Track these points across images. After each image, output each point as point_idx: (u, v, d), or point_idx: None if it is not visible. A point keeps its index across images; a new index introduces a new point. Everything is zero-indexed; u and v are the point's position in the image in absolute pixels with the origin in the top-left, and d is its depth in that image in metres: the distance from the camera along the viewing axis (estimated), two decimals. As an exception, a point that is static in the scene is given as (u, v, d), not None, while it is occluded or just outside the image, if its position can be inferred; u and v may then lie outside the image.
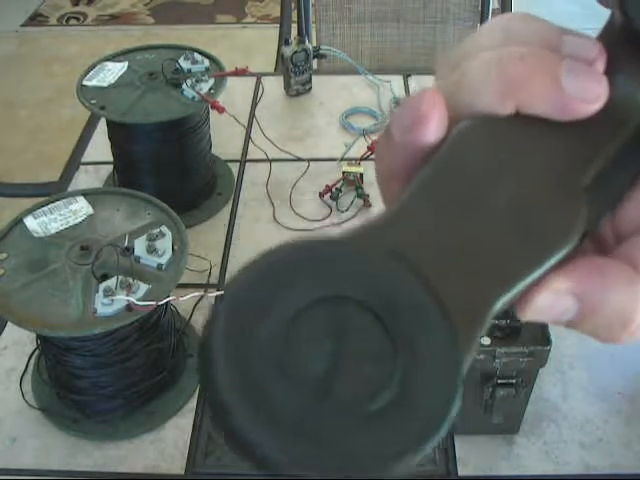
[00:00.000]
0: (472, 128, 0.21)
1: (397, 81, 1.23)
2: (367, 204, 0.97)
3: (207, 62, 0.95)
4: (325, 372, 0.16)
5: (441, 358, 0.17)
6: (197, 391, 0.75)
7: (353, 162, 1.02)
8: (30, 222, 0.71)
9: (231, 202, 1.00)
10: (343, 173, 0.98)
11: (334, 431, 0.16)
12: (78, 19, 3.15)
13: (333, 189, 0.98)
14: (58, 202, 0.74)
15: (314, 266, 0.18)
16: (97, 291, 0.64)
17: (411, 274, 0.18)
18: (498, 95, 0.20)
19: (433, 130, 0.20)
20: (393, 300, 0.17)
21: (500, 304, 0.18)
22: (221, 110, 0.89)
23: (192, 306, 0.82)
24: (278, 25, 1.61)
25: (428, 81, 1.24)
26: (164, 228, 0.70)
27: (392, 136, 0.21)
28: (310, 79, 1.20)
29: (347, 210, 0.97)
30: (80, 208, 0.73)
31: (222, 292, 0.17)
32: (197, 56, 0.95)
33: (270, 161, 1.05)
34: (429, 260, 0.18)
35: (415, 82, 1.24)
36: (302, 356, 0.16)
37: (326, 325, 0.17)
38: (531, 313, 0.19)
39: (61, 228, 0.71)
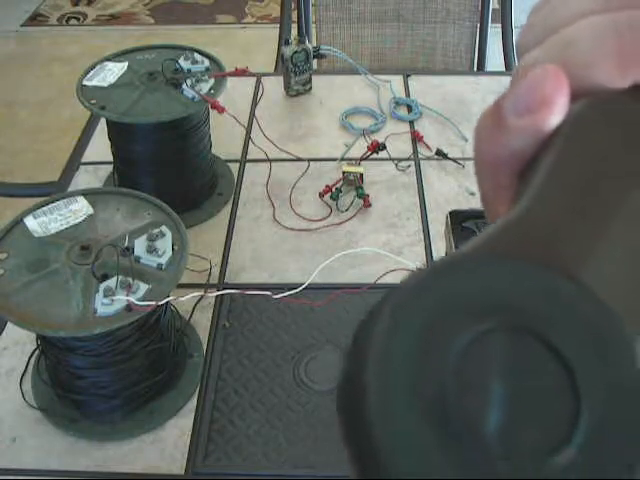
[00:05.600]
0: (598, 108, 0.18)
1: (397, 81, 1.23)
2: (367, 204, 0.97)
3: (207, 62, 0.95)
4: (499, 422, 0.14)
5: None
6: (197, 391, 0.75)
7: (353, 162, 1.02)
8: (30, 222, 0.71)
9: (231, 202, 1.00)
10: (343, 173, 0.98)
11: None
12: (78, 19, 3.15)
13: (333, 189, 0.98)
14: (58, 202, 0.74)
15: (473, 291, 0.15)
16: (97, 291, 0.64)
17: (579, 289, 0.15)
18: (618, 69, 0.18)
19: (559, 113, 0.18)
20: (570, 326, 0.15)
21: None
22: (221, 110, 0.89)
23: (192, 306, 0.82)
24: (278, 25, 1.61)
25: (428, 81, 1.24)
26: (164, 228, 0.70)
27: (504, 119, 0.19)
28: (310, 79, 1.20)
29: (347, 210, 0.97)
30: (80, 208, 0.73)
31: (371, 327, 0.15)
32: (197, 56, 0.95)
33: (270, 161, 1.05)
34: (594, 273, 0.15)
35: (415, 82, 1.24)
36: (471, 403, 0.14)
37: (495, 361, 0.14)
38: None
39: (61, 228, 0.71)
